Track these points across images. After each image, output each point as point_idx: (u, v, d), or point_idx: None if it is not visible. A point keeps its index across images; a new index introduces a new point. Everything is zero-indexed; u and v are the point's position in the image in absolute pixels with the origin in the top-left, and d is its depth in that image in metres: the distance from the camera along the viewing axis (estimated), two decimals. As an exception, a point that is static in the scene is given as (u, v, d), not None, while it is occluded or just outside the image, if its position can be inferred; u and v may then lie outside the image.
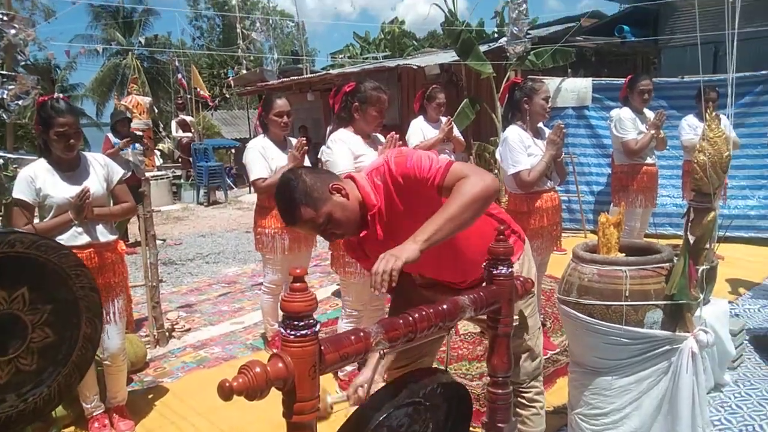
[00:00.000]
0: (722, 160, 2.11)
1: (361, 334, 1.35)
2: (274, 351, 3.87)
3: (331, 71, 14.35)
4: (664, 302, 2.27)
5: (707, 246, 2.26)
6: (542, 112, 3.28)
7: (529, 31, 7.44)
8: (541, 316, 3.96)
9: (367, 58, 21.35)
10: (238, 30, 17.95)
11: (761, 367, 3.24)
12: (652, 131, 4.53)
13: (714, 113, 2.29)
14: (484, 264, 1.74)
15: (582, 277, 2.40)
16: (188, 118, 13.43)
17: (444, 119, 5.06)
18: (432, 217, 1.68)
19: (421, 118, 5.18)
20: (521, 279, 1.86)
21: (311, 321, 1.22)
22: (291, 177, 1.85)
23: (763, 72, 5.79)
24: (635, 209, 4.63)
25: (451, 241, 1.77)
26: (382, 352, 1.42)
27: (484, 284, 2.03)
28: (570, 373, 2.58)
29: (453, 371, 3.42)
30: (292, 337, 1.21)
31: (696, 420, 2.21)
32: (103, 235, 2.85)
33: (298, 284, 1.21)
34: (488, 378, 1.81)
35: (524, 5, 6.95)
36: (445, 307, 1.56)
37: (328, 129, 3.53)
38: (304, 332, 1.20)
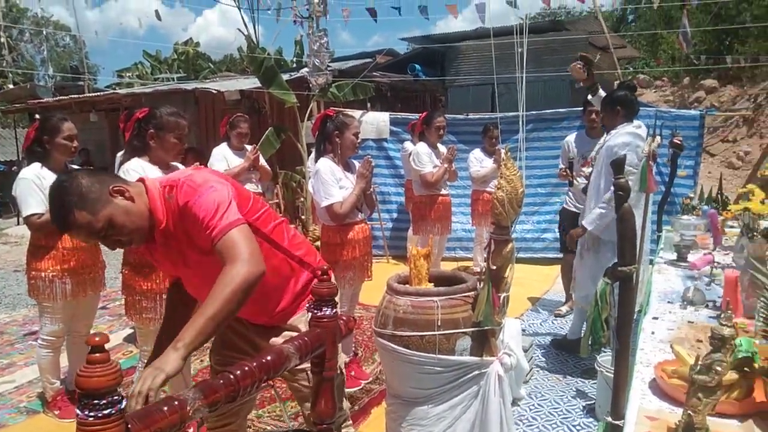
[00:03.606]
0: (518, 195, 2.30)
1: (176, 403, 1.17)
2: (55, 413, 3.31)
3: (119, 90, 13.24)
4: (472, 329, 2.39)
5: (507, 274, 2.44)
6: (352, 147, 3.34)
7: (330, 64, 7.64)
8: (353, 344, 3.99)
9: (158, 79, 20.16)
10: (3, 40, 15.72)
11: (548, 378, 3.61)
12: (446, 165, 4.89)
13: (507, 151, 2.50)
14: (307, 306, 1.67)
15: (397, 309, 2.43)
16: (-64, 138, 11.30)
17: (249, 147, 4.93)
18: (193, 317, 1.55)
19: (225, 144, 4.99)
20: (344, 318, 1.80)
21: (115, 397, 1.02)
22: (64, 178, 1.66)
23: (533, 112, 6.61)
24: (434, 237, 4.93)
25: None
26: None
27: (293, 320, 2.00)
28: (387, 406, 2.59)
29: (266, 414, 3.25)
30: (91, 419, 0.99)
31: (504, 439, 2.34)
32: None
33: (97, 355, 1.01)
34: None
35: (325, 38, 7.11)
36: (269, 358, 1.43)
37: (118, 158, 3.18)
38: (107, 412, 1.00)
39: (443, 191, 5.04)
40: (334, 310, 1.66)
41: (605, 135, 3.60)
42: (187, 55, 24.43)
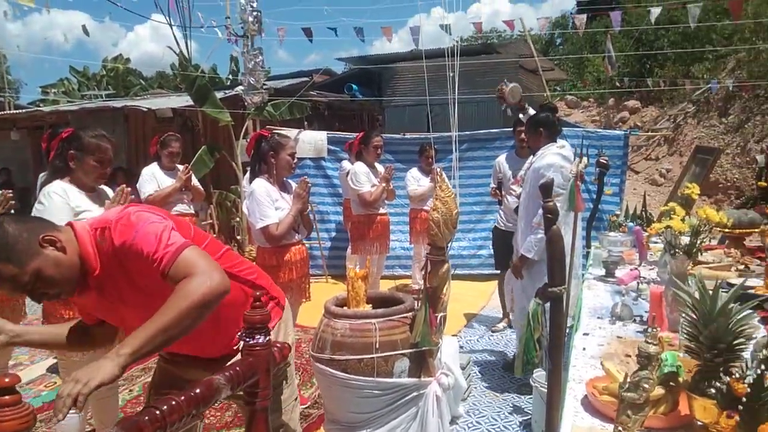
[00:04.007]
0: (452, 217, 2.33)
1: (96, 444, 1.10)
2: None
3: (43, 107, 12.66)
4: (410, 350, 2.39)
5: (444, 294, 2.45)
6: (288, 167, 3.29)
7: (266, 82, 7.57)
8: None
9: (86, 95, 19.41)
10: None
11: (486, 395, 3.64)
12: (383, 184, 4.91)
13: (441, 172, 2.54)
14: (239, 334, 1.60)
15: (335, 332, 2.40)
16: None
17: (181, 167, 4.80)
18: (143, 325, 1.44)
19: (155, 164, 4.84)
20: (278, 346, 1.76)
21: (26, 443, 0.95)
22: None
23: (467, 132, 6.76)
24: (372, 256, 4.93)
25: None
26: None
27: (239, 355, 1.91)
28: (326, 432, 2.54)
29: (200, 445, 3.12)
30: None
31: (443, 460, 2.34)
32: None
33: (7, 398, 0.94)
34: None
35: (261, 57, 7.05)
36: (197, 391, 1.37)
37: (40, 179, 3.03)
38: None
39: (381, 210, 5.06)
40: (267, 338, 1.61)
41: (531, 156, 3.71)
42: (116, 72, 23.63)
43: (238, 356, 1.89)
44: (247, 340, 1.58)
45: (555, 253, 1.62)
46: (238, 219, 7.66)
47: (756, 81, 10.80)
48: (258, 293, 1.64)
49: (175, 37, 8.12)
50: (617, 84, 14.73)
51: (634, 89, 14.73)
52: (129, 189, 2.82)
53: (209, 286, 1.48)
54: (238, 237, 7.53)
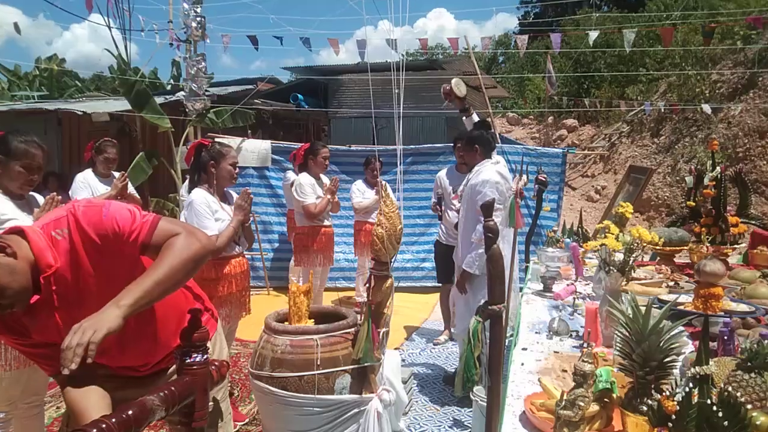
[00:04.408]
0: (396, 232, 2.34)
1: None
2: None
3: (-32, 107, 11.96)
4: (352, 366, 2.37)
5: (387, 309, 2.45)
6: (229, 177, 3.21)
7: (208, 89, 7.43)
8: (229, 384, 3.80)
9: (17, 96, 18.49)
10: None
11: (427, 408, 3.65)
12: (329, 196, 4.88)
13: (385, 186, 2.54)
14: (176, 353, 1.54)
15: (275, 349, 2.36)
16: None
17: (117, 174, 4.62)
18: (138, 278, 1.45)
19: (89, 170, 4.65)
20: (216, 364, 1.70)
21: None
22: None
23: (412, 146, 6.83)
24: (316, 268, 4.87)
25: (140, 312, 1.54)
26: None
27: (171, 368, 1.84)
28: (264, 451, 2.48)
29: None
30: None
31: (384, 478, 2.32)
32: None
33: None
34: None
35: (203, 63, 6.92)
36: (130, 413, 1.31)
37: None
38: None
39: (326, 222, 5.02)
40: (205, 356, 1.56)
41: (468, 173, 3.78)
42: (50, 72, 22.64)
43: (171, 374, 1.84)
44: (184, 359, 1.52)
45: (495, 271, 1.64)
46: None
47: (685, 104, 11.40)
48: (195, 308, 1.59)
49: (113, 39, 7.86)
50: (556, 103, 15.25)
51: (572, 108, 15.29)
52: (60, 197, 2.70)
53: (200, 241, 1.54)
54: (177, 247, 7.31)
